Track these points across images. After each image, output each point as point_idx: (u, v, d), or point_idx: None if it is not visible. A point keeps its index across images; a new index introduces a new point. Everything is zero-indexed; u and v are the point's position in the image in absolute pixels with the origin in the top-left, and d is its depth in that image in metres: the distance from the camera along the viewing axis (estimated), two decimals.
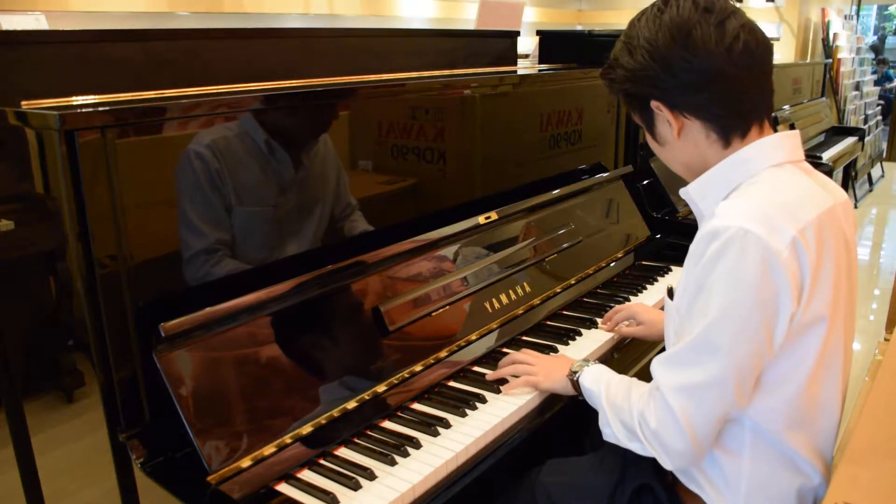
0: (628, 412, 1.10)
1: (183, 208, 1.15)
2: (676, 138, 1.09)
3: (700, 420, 1.01)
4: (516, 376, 1.35)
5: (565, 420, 1.36)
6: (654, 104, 1.07)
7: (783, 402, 1.03)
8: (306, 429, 1.17)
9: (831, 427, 1.09)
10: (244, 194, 1.23)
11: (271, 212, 1.28)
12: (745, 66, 1.02)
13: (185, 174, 1.15)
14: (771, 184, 1.03)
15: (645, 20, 1.06)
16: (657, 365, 1.07)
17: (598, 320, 1.66)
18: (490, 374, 1.38)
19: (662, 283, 1.93)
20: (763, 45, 1.03)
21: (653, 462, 1.12)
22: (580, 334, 1.60)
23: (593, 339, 1.59)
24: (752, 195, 1.02)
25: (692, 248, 1.03)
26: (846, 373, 1.10)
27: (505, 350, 1.52)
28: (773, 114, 1.13)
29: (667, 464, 1.06)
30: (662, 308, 1.33)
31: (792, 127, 4.45)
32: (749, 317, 0.96)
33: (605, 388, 1.17)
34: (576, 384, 1.25)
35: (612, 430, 1.13)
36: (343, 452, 1.17)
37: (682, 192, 1.15)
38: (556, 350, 1.52)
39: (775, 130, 1.11)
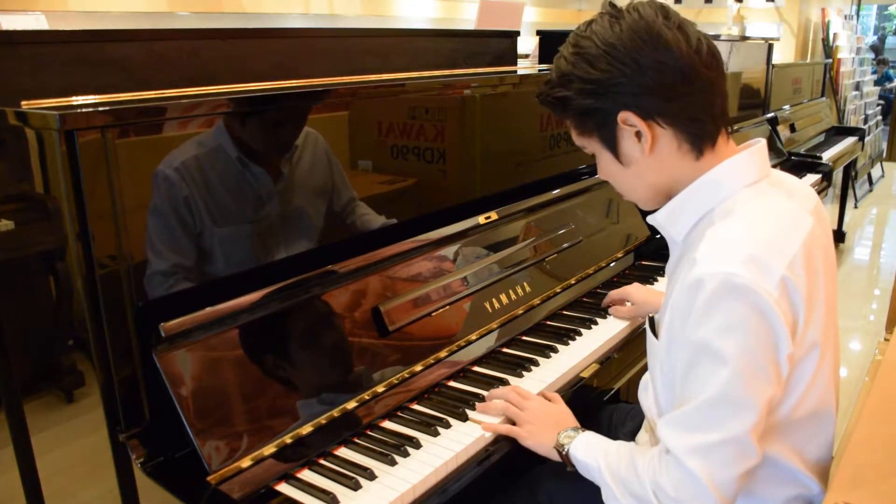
0: (638, 484, 1.01)
1: (148, 226, 1.12)
2: (648, 153, 1.01)
3: (725, 477, 0.94)
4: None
5: None
6: (622, 116, 0.99)
7: (777, 425, 1.01)
8: (306, 429, 1.17)
9: (827, 439, 1.08)
10: (220, 214, 1.18)
11: (251, 228, 1.23)
12: (713, 67, 0.99)
13: (153, 194, 1.11)
14: (748, 214, 0.98)
15: (598, 28, 0.98)
16: (665, 429, 0.98)
17: (599, 320, 1.67)
18: (480, 405, 1.28)
19: (662, 284, 1.92)
20: (718, 51, 1.01)
21: None
22: (580, 334, 1.60)
23: (593, 339, 1.58)
24: (731, 232, 0.96)
25: (676, 299, 0.96)
26: (837, 381, 1.09)
27: (505, 350, 1.52)
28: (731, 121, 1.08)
29: None
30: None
31: (792, 128, 4.44)
32: (760, 365, 0.92)
33: (603, 459, 1.08)
34: (564, 456, 1.15)
35: None
36: (343, 452, 1.17)
37: (650, 219, 1.09)
38: (555, 350, 1.51)
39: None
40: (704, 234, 0.97)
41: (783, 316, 0.91)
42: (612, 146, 1.03)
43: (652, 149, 1.00)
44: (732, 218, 0.98)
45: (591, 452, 1.11)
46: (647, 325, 1.14)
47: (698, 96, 0.98)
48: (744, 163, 1.02)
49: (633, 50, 0.95)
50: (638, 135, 1.00)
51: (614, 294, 1.68)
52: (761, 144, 1.06)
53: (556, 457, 1.16)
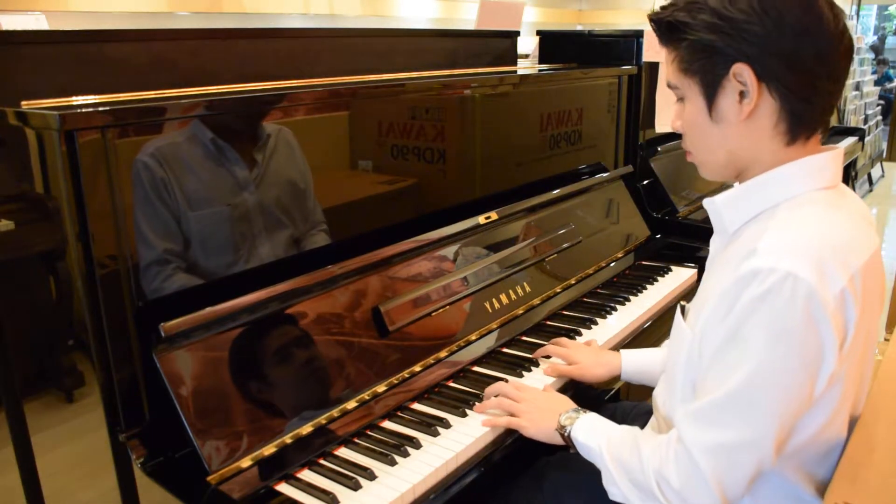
0: (640, 470, 0.98)
1: (135, 218, 1.10)
2: (742, 118, 0.94)
3: (733, 481, 0.91)
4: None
5: None
6: (737, 68, 0.91)
7: (794, 448, 0.96)
8: (306, 429, 1.17)
9: (835, 461, 1.02)
10: (196, 199, 1.16)
11: (229, 211, 1.21)
12: (847, 59, 0.92)
13: (134, 184, 1.10)
14: (820, 217, 0.92)
15: None
16: (684, 418, 0.94)
17: (599, 320, 1.67)
18: (477, 405, 1.27)
19: (662, 284, 1.93)
20: (853, 49, 0.95)
21: None
22: (580, 334, 1.60)
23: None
24: (799, 228, 0.90)
25: (726, 286, 0.89)
26: (857, 407, 1.03)
27: (505, 350, 1.52)
28: None
29: None
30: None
31: None
32: (793, 373, 0.87)
33: (605, 443, 1.05)
34: (566, 438, 1.12)
35: (621, 490, 1.01)
36: (343, 452, 1.17)
37: (707, 203, 1.03)
38: None
39: None
40: (768, 227, 0.92)
41: (836, 329, 0.86)
42: (711, 96, 0.95)
43: (749, 115, 0.94)
44: (802, 217, 0.92)
45: (593, 435, 1.08)
46: (678, 312, 1.09)
47: (822, 81, 0.92)
48: (820, 165, 0.96)
49: (783, 3, 0.89)
50: (741, 95, 0.93)
51: (556, 352, 1.45)
52: (840, 151, 0.99)
53: (559, 441, 1.14)
